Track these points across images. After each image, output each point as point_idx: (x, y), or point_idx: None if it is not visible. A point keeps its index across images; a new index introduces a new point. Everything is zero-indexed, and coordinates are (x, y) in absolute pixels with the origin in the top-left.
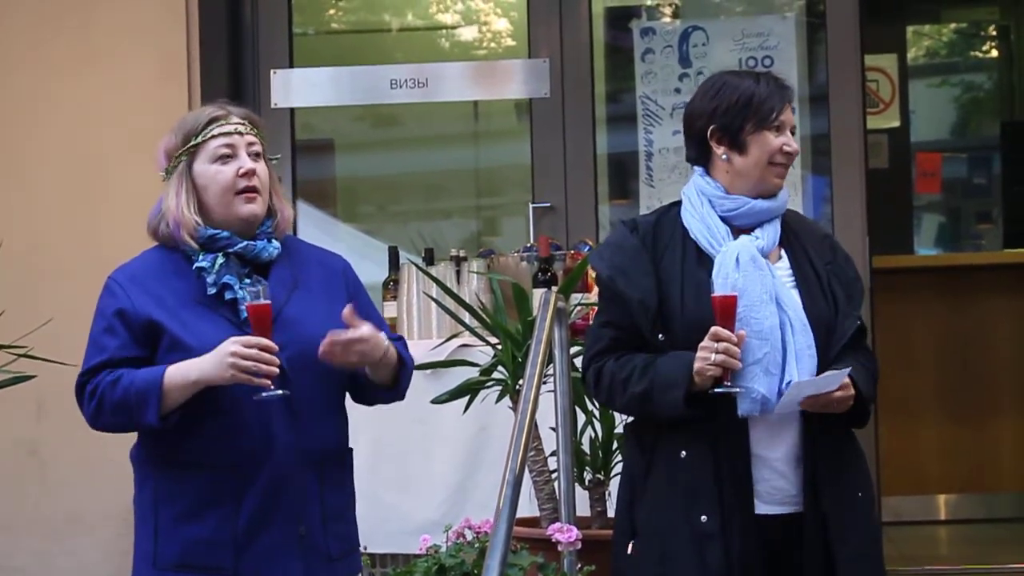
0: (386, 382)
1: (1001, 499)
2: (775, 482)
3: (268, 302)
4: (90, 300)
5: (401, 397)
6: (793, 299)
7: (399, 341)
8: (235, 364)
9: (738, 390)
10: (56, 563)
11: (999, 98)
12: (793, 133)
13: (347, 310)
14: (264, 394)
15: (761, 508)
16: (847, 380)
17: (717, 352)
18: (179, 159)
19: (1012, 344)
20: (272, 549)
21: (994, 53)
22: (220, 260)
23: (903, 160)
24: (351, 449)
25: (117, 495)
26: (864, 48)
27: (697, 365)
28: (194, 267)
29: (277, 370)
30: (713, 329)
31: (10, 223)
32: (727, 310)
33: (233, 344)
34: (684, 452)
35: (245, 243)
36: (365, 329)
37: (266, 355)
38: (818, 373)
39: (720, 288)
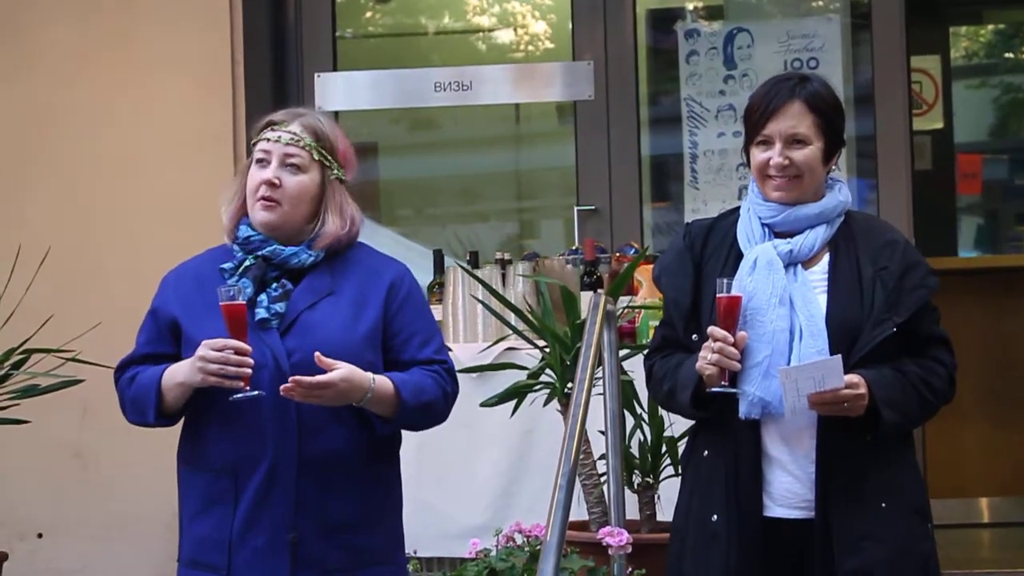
0: (383, 415)
1: None
2: (790, 485)
3: (242, 302)
4: (136, 304)
5: (396, 429)
6: (814, 304)
7: (432, 373)
8: (202, 368)
9: (733, 391)
10: (99, 567)
11: None
12: (800, 141)
13: (317, 354)
14: (238, 395)
15: (775, 511)
16: (856, 379)
17: (713, 352)
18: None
19: None
20: (261, 552)
21: None
22: (248, 262)
23: (946, 162)
24: (386, 459)
25: (160, 500)
26: (908, 49)
27: (697, 365)
28: (219, 267)
29: (249, 371)
30: (709, 329)
31: (58, 229)
32: (729, 311)
33: (202, 347)
34: (706, 451)
35: (273, 247)
36: (333, 375)
37: (234, 357)
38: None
39: (733, 290)
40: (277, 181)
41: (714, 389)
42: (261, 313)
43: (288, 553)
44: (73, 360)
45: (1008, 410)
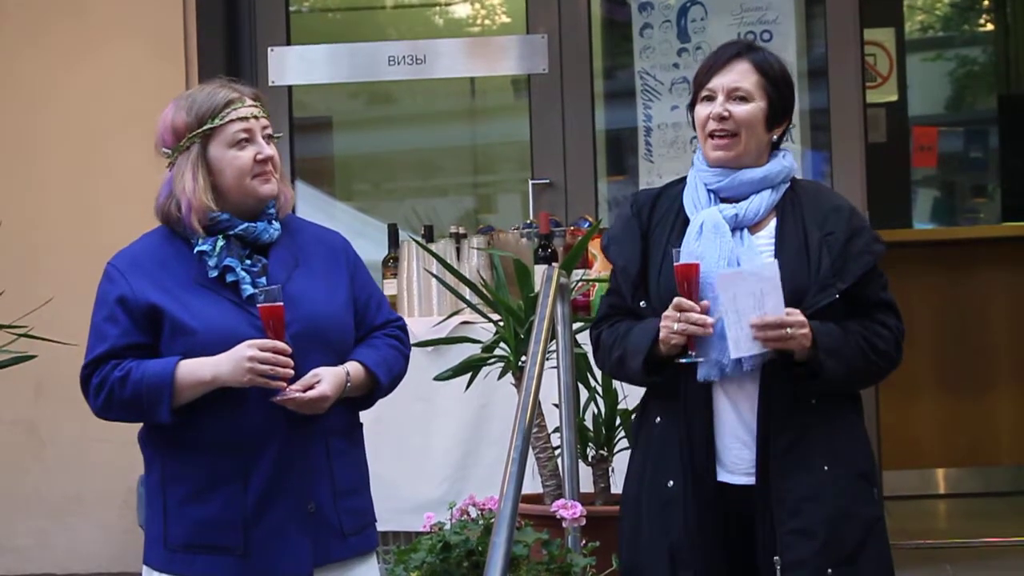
0: (359, 396)
1: (999, 473)
2: (739, 451)
3: (281, 304)
4: (89, 279)
5: (371, 405)
6: None
7: (393, 340)
8: (253, 368)
9: (701, 360)
10: (56, 543)
11: (995, 72)
12: (742, 97)
13: (297, 384)
14: (279, 396)
15: (725, 476)
16: (797, 311)
17: (679, 322)
18: (192, 140)
19: (1010, 317)
20: (280, 526)
21: (990, 27)
22: (220, 243)
23: (901, 134)
24: (360, 424)
25: (116, 475)
26: (862, 22)
27: (661, 335)
28: (195, 250)
29: (292, 372)
30: (676, 300)
31: (9, 204)
32: (689, 278)
33: (250, 348)
34: (659, 418)
35: (246, 225)
36: (323, 387)
37: (282, 359)
38: None
39: (683, 257)
40: (272, 157)
41: (682, 360)
42: (248, 290)
43: (307, 523)
44: (25, 336)
45: (963, 382)
